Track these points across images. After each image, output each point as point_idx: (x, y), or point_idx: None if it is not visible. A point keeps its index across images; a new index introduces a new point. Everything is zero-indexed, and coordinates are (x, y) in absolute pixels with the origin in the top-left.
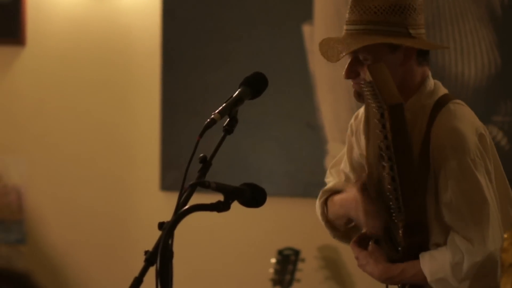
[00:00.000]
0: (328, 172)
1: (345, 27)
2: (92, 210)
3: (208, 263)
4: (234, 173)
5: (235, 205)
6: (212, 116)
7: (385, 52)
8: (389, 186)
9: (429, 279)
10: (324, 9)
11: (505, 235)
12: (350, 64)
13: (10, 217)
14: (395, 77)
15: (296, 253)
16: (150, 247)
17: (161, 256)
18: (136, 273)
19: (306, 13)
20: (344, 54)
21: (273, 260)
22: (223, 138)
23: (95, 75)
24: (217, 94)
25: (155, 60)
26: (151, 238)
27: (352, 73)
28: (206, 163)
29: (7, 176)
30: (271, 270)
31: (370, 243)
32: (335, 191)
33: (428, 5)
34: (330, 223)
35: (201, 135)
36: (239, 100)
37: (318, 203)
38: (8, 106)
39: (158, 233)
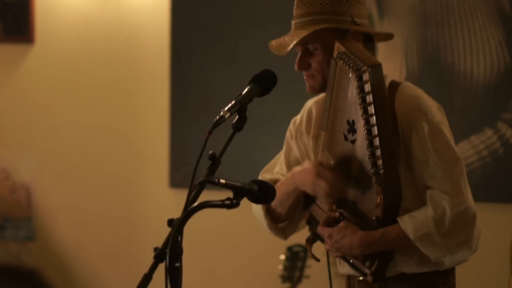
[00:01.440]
0: (260, 176)
1: (293, 22)
2: (101, 207)
3: (217, 260)
4: (243, 170)
5: (244, 202)
6: (221, 113)
7: (333, 39)
8: (367, 150)
9: (412, 236)
10: None
11: None
12: (301, 56)
13: (19, 214)
14: None
15: (305, 249)
16: (159, 244)
17: (170, 253)
18: (145, 270)
19: None
20: (294, 42)
21: (282, 257)
22: (232, 135)
23: (104, 73)
24: (226, 92)
25: (164, 58)
26: (160, 235)
27: (303, 64)
28: (215, 160)
29: (16, 173)
30: (280, 267)
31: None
32: (275, 181)
33: (437, 3)
34: (270, 213)
35: (210, 132)
36: (248, 97)
37: None
38: (17, 104)
39: (167, 230)
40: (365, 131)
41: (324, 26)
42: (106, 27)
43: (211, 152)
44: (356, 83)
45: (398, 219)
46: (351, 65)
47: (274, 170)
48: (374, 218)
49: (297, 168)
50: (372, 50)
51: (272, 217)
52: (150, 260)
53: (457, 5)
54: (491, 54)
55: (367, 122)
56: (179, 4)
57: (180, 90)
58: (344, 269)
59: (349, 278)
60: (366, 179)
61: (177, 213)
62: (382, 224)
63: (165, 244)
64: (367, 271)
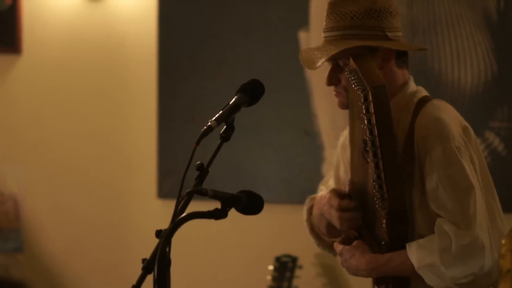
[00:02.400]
0: (318, 189)
1: (323, 34)
2: (89, 218)
3: (206, 271)
4: (231, 180)
5: (232, 212)
6: (209, 123)
7: (365, 54)
8: (374, 174)
9: (416, 265)
10: (320, 16)
11: (503, 241)
12: (331, 71)
13: (7, 225)
14: None
15: (294, 260)
16: (147, 255)
17: (158, 264)
18: (133, 281)
19: (302, 20)
20: (323, 60)
21: (271, 267)
22: (220, 146)
23: (91, 83)
24: (214, 102)
25: (151, 68)
26: (148, 246)
27: (333, 79)
28: (203, 170)
29: (4, 184)
30: (269, 277)
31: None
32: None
33: (424, 10)
34: (315, 231)
35: (198, 143)
36: (236, 107)
37: (304, 209)
38: (5, 115)
39: (155, 241)
40: (371, 152)
41: (353, 44)
42: (94, 37)
43: (199, 162)
44: (362, 101)
45: (407, 245)
46: (356, 84)
47: (329, 182)
48: (383, 243)
49: (322, 193)
50: (406, 64)
51: (317, 235)
52: (138, 271)
53: (444, 13)
54: (478, 62)
55: (373, 144)
56: (166, 14)
57: (168, 100)
58: None
59: None
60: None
61: (165, 224)
62: (390, 249)
63: (153, 255)
64: None
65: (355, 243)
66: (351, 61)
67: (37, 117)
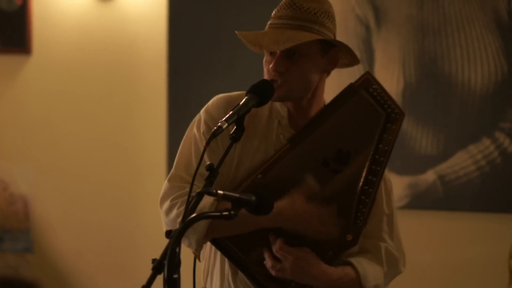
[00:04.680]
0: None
1: (277, 21)
2: (98, 218)
3: None
4: None
5: None
6: (219, 123)
7: (316, 53)
8: (370, 190)
9: (367, 285)
10: None
11: None
12: (281, 57)
13: (17, 226)
14: (312, 80)
15: None
16: (157, 255)
17: (168, 265)
18: (143, 281)
19: None
20: (291, 44)
21: None
22: (230, 146)
23: (101, 84)
24: None
25: (161, 67)
26: (158, 246)
27: (283, 66)
28: (213, 171)
29: (14, 185)
30: None
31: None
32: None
33: (434, 12)
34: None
35: (208, 143)
36: (246, 107)
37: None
38: (15, 115)
39: (165, 242)
40: (367, 171)
41: (320, 37)
42: (103, 38)
43: (209, 163)
44: (382, 124)
45: (355, 262)
46: (385, 106)
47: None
48: (330, 253)
49: (283, 210)
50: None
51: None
52: (148, 272)
53: (454, 14)
54: (488, 63)
55: (378, 164)
56: (176, 14)
57: (177, 100)
58: None
59: None
60: (336, 210)
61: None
62: (334, 260)
63: (163, 255)
64: None
65: (306, 249)
66: (369, 78)
67: (47, 118)
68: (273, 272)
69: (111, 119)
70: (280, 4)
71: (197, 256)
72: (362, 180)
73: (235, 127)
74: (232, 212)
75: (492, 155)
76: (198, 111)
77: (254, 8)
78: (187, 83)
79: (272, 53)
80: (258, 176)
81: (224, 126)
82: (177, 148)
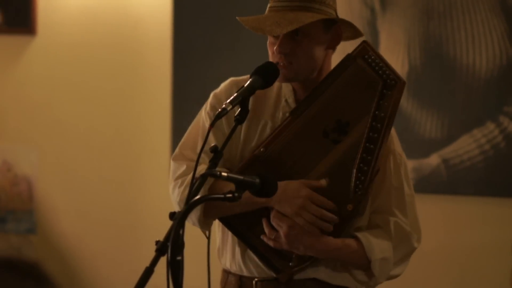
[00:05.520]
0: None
1: (276, 3)
2: (102, 200)
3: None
4: None
5: None
6: (224, 105)
7: (319, 31)
8: (369, 158)
9: (375, 257)
10: None
11: None
12: (286, 38)
13: (20, 207)
14: (318, 58)
15: None
16: (160, 237)
17: (172, 246)
18: (146, 263)
19: None
20: (294, 27)
21: None
22: (234, 128)
23: (106, 65)
24: None
25: (166, 50)
26: (161, 228)
27: (287, 47)
28: (217, 153)
29: (18, 166)
30: None
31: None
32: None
33: None
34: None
35: (212, 125)
36: (250, 89)
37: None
38: (19, 96)
39: (169, 223)
40: (366, 139)
41: (322, 17)
42: (108, 20)
43: (213, 144)
44: (379, 91)
45: (360, 236)
46: (380, 72)
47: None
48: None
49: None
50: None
51: (207, 212)
52: (151, 253)
53: None
54: (493, 47)
55: (377, 131)
56: None
57: (182, 83)
58: (248, 268)
59: (240, 278)
60: (337, 182)
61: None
62: (340, 233)
63: (167, 237)
64: (283, 268)
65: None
66: (366, 46)
67: (51, 99)
68: (270, 243)
69: (116, 102)
70: None
71: (204, 234)
72: (361, 148)
73: (239, 109)
74: (236, 194)
75: (496, 139)
76: (203, 93)
77: None
78: (192, 66)
79: (275, 35)
80: (261, 149)
81: (228, 108)
82: (181, 130)
